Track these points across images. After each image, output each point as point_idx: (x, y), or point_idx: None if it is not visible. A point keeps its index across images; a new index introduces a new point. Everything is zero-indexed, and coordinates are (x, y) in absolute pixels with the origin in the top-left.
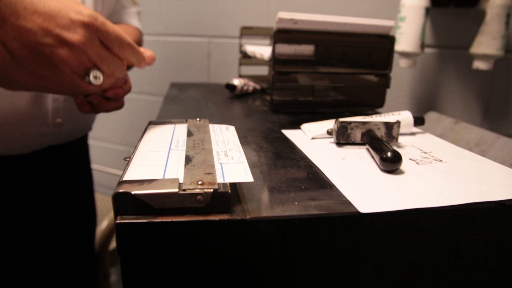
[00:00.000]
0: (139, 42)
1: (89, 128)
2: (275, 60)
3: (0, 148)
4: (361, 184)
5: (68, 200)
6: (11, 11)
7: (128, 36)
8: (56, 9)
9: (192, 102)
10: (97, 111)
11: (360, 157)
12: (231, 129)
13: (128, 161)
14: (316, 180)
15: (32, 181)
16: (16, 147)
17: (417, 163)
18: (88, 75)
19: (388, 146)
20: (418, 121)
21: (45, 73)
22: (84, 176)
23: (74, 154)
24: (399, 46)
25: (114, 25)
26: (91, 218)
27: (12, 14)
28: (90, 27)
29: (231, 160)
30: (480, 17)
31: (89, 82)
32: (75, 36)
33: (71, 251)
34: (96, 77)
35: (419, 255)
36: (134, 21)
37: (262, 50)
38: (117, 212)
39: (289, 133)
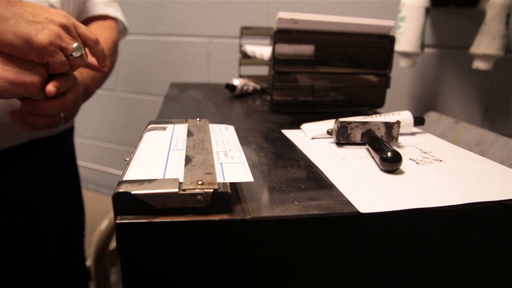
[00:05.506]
0: (117, 39)
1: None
2: (275, 60)
3: None
4: (361, 184)
5: (50, 200)
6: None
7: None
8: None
9: (192, 102)
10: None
11: (360, 157)
12: (230, 128)
13: (128, 161)
14: (316, 180)
15: (6, 179)
16: None
17: (417, 163)
18: (71, 54)
19: (388, 146)
20: (418, 121)
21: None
22: (68, 175)
23: (53, 152)
24: (399, 46)
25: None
26: (78, 217)
27: None
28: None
29: (231, 160)
30: (480, 17)
31: (74, 57)
32: (61, 18)
33: (56, 257)
34: (81, 53)
35: (419, 255)
36: (110, 10)
37: (262, 50)
38: (117, 212)
39: (289, 133)
